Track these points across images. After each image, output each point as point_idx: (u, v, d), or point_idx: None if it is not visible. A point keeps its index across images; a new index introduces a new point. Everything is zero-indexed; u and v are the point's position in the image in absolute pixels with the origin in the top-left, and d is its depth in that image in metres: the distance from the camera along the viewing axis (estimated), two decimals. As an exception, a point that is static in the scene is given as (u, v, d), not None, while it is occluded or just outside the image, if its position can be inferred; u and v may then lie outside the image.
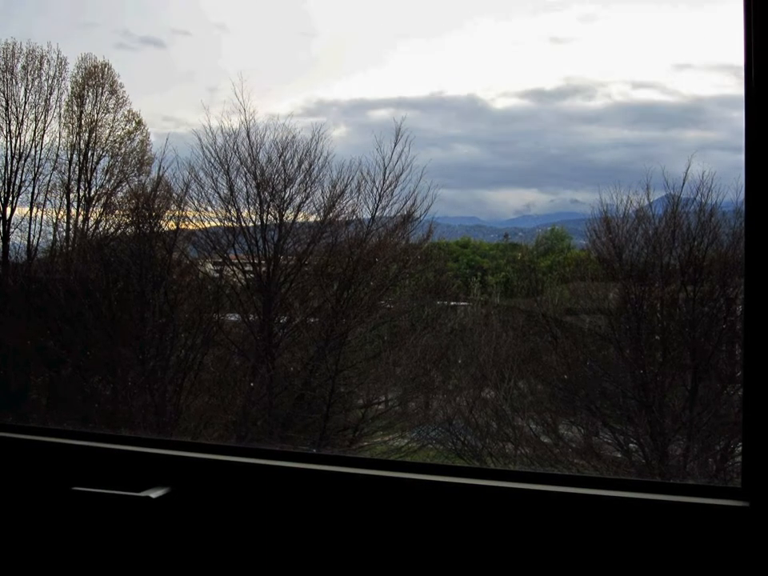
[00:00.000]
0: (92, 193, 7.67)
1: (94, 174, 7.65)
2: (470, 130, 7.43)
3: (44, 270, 7.48)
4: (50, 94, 7.49)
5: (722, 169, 5.86)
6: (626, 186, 6.13)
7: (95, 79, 7.66)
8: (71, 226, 7.64)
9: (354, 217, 6.84)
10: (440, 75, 7.25)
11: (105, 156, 7.70)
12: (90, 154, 7.64)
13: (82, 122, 7.62)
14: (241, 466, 1.90)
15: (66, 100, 7.57)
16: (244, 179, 6.88)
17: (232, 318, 7.15)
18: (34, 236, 7.48)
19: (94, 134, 7.65)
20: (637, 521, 1.59)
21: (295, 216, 6.86)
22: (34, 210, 7.48)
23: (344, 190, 6.77)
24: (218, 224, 7.07)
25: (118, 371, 6.86)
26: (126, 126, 7.74)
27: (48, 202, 7.56)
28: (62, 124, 7.55)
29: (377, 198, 6.69)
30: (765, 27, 1.51)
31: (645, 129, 7.31)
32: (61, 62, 7.50)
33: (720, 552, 1.54)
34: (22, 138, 7.42)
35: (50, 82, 7.47)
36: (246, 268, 7.10)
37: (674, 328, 6.02)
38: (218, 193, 6.92)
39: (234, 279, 7.28)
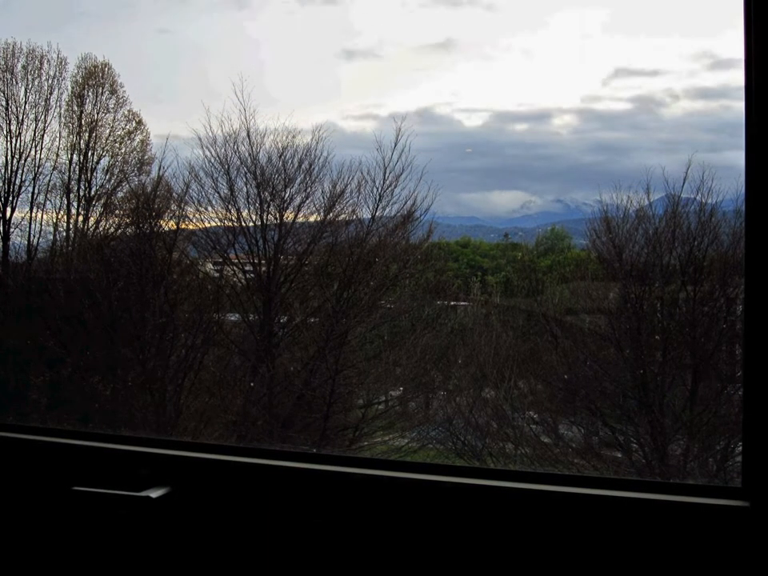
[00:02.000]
0: (92, 193, 7.67)
1: (94, 173, 7.66)
2: (434, 137, 7.53)
3: (44, 270, 7.48)
4: (50, 93, 7.49)
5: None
6: (605, 185, 6.25)
7: (95, 79, 7.66)
8: (71, 226, 7.64)
9: (354, 217, 6.85)
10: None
11: (105, 156, 7.70)
12: (90, 153, 7.64)
13: (82, 122, 7.63)
14: (241, 466, 1.90)
15: (66, 100, 7.58)
16: (244, 179, 6.89)
17: (232, 318, 7.15)
18: (33, 236, 7.49)
19: (94, 134, 7.65)
20: (637, 521, 1.59)
21: (295, 216, 6.87)
22: (34, 209, 7.49)
23: (344, 190, 6.77)
24: (218, 224, 7.07)
25: (118, 371, 6.86)
26: (126, 125, 7.75)
27: (48, 202, 7.57)
28: (62, 124, 7.56)
29: (377, 198, 6.70)
30: (765, 28, 1.51)
31: (609, 131, 7.55)
32: (61, 62, 7.51)
33: (720, 552, 1.54)
34: (22, 138, 7.43)
35: (50, 81, 7.48)
36: (246, 268, 7.10)
37: (673, 328, 6.02)
38: (218, 193, 6.93)
39: (234, 279, 7.28)
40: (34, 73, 7.42)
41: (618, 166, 7.37)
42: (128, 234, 7.41)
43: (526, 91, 7.24)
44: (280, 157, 6.80)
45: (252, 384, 6.62)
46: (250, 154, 6.82)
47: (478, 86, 7.29)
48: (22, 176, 7.44)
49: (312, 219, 6.91)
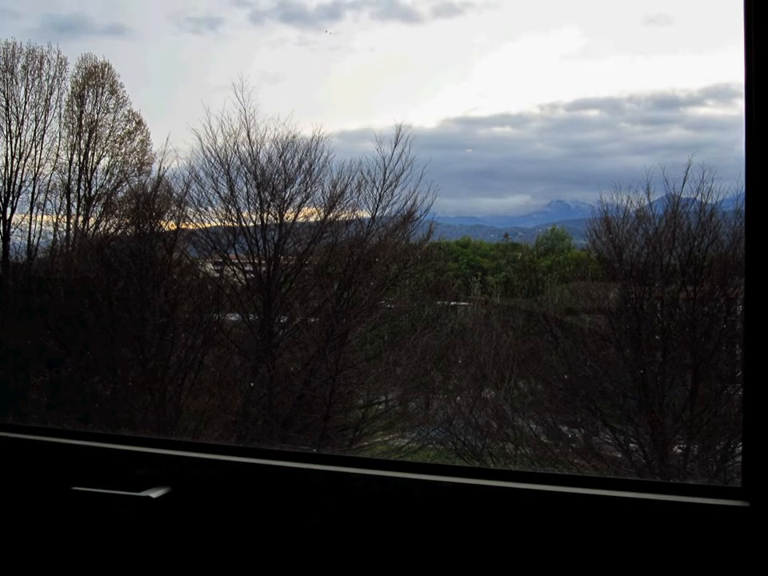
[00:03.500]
0: (92, 193, 7.67)
1: (94, 174, 7.66)
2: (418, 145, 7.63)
3: (44, 270, 7.48)
4: (50, 93, 7.50)
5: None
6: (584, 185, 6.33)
7: (95, 79, 7.66)
8: (71, 226, 7.64)
9: (355, 217, 6.85)
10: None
11: (105, 156, 7.71)
12: (90, 153, 7.65)
13: (82, 122, 7.63)
14: (241, 466, 1.90)
15: (66, 100, 7.58)
16: (244, 179, 6.89)
17: (232, 318, 7.15)
18: (33, 236, 7.49)
19: (94, 134, 7.65)
20: (637, 521, 1.59)
21: (295, 216, 6.87)
22: (34, 209, 7.50)
23: (344, 190, 6.78)
24: (218, 224, 7.08)
25: (118, 371, 6.86)
26: (126, 125, 7.76)
27: (48, 202, 7.57)
28: (62, 124, 7.57)
29: (377, 198, 6.70)
30: (765, 27, 1.51)
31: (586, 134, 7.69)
32: (61, 62, 7.52)
33: (720, 552, 1.54)
34: (22, 138, 7.43)
35: (50, 81, 7.48)
36: (247, 268, 7.10)
37: (674, 328, 6.02)
38: (219, 193, 6.93)
39: (234, 279, 7.28)
40: (34, 73, 7.43)
41: (603, 167, 7.52)
42: (128, 234, 7.42)
43: (503, 97, 7.43)
44: (280, 157, 6.81)
45: (252, 384, 6.62)
46: (250, 154, 6.83)
47: (458, 94, 7.43)
48: (22, 176, 7.45)
49: (312, 219, 6.92)
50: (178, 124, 7.32)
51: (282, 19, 7.74)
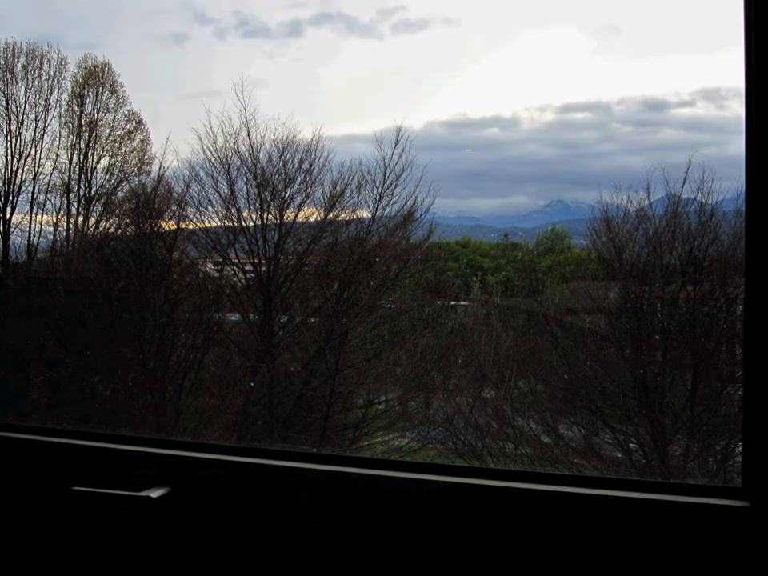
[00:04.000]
0: (92, 192, 7.67)
1: (94, 173, 7.66)
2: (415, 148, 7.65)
3: (44, 270, 7.48)
4: (50, 93, 7.49)
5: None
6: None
7: (95, 79, 7.66)
8: (71, 226, 7.64)
9: (355, 216, 6.85)
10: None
11: (105, 156, 7.71)
12: (90, 153, 7.64)
13: (82, 122, 7.63)
14: (241, 466, 1.90)
15: (66, 100, 7.58)
16: (244, 179, 6.89)
17: (232, 318, 7.15)
18: (34, 236, 7.49)
19: (94, 134, 7.65)
20: (637, 521, 1.59)
21: (295, 216, 6.87)
22: (34, 209, 7.50)
23: (344, 190, 6.78)
24: (219, 224, 7.08)
25: (118, 371, 6.86)
26: (126, 125, 7.76)
27: (48, 202, 7.57)
28: (62, 124, 7.57)
29: (377, 198, 6.70)
30: (765, 27, 1.51)
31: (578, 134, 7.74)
32: (61, 62, 7.51)
33: (720, 552, 1.54)
34: (22, 138, 7.43)
35: (50, 81, 7.48)
36: (247, 268, 7.10)
37: (674, 328, 6.02)
38: (219, 192, 6.93)
39: (235, 279, 7.28)
40: (34, 73, 7.43)
41: (601, 167, 7.56)
42: (128, 234, 7.42)
43: (491, 101, 7.46)
44: (280, 157, 6.81)
45: (252, 384, 6.62)
46: (250, 154, 6.83)
47: (450, 94, 7.44)
48: (22, 176, 7.45)
49: (312, 219, 6.92)
50: (172, 127, 7.36)
51: (244, 35, 7.85)
